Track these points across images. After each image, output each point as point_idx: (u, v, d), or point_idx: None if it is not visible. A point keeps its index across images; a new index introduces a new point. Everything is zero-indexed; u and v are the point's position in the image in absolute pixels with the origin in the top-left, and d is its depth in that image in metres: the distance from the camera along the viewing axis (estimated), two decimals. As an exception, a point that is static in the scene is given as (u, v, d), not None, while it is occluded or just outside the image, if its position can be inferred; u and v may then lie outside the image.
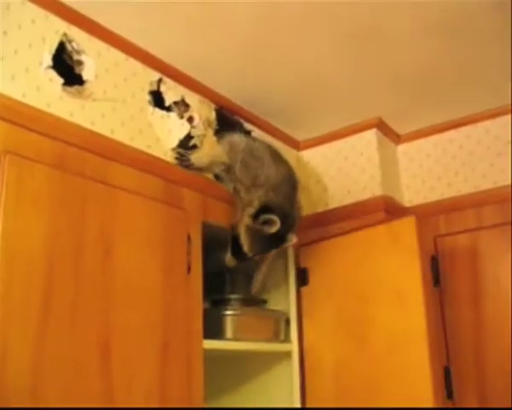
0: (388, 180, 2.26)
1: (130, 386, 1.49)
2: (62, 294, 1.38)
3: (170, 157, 1.80)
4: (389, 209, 2.18)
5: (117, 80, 1.71)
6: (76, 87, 1.56)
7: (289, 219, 1.86)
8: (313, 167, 2.38)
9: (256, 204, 1.81)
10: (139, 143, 1.72)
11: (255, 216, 1.81)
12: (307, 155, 2.43)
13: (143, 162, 1.68)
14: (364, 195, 2.22)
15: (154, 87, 1.82)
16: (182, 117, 1.86)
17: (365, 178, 2.25)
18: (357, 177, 2.27)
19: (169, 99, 1.86)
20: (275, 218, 1.79)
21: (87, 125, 1.58)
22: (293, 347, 2.13)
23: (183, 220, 1.75)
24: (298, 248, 2.16)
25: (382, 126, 2.29)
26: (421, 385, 1.79)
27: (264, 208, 1.80)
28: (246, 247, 1.84)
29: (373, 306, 1.96)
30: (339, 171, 2.33)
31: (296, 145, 2.44)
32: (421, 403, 1.78)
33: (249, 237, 1.83)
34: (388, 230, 1.97)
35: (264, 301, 2.20)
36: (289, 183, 1.92)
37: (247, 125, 2.20)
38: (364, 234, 2.04)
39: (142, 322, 1.56)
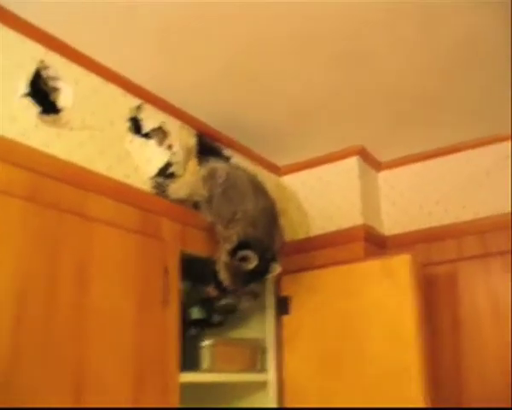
0: (369, 208, 2.25)
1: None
2: (33, 335, 1.33)
3: (148, 186, 1.76)
4: (369, 238, 2.16)
5: (95, 107, 1.66)
6: (52, 115, 1.52)
7: (269, 252, 1.83)
8: (294, 193, 2.35)
9: (234, 240, 1.78)
10: (117, 173, 1.67)
11: (233, 253, 1.78)
12: (288, 180, 2.40)
13: (120, 193, 1.63)
14: (345, 223, 2.20)
15: (134, 114, 1.78)
16: (161, 144, 1.82)
17: (346, 205, 2.22)
18: (338, 204, 2.25)
19: (148, 126, 1.82)
20: (251, 254, 1.76)
21: (64, 154, 1.53)
22: (270, 376, 2.09)
23: (160, 251, 1.71)
24: (279, 276, 2.12)
25: (364, 154, 2.27)
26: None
27: (242, 244, 1.77)
28: (226, 282, 1.81)
29: (363, 339, 1.95)
30: (320, 197, 2.30)
31: (276, 170, 2.41)
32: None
33: (228, 272, 1.80)
34: (382, 265, 1.97)
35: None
36: (269, 215, 1.89)
37: (227, 151, 2.17)
38: (356, 267, 2.03)
39: (117, 355, 1.51)
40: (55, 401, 1.35)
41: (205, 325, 2.04)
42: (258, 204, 1.85)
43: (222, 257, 1.78)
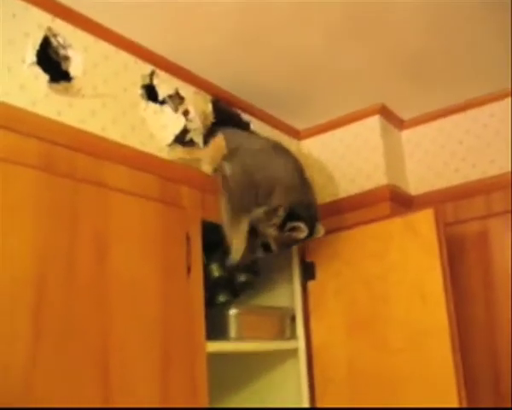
0: (393, 168, 2.18)
1: (131, 397, 1.42)
2: (54, 305, 1.30)
3: (165, 153, 1.72)
4: (395, 199, 2.10)
5: (107, 75, 1.62)
6: (63, 84, 1.48)
7: (312, 208, 1.80)
8: (315, 157, 2.29)
9: (281, 214, 1.73)
10: (132, 141, 1.63)
11: (281, 225, 1.74)
12: (308, 144, 2.34)
13: (137, 160, 1.60)
14: (369, 184, 2.14)
15: (147, 81, 1.74)
16: (177, 110, 1.77)
17: (369, 166, 2.16)
18: (361, 165, 2.19)
19: (162, 92, 1.77)
20: (301, 225, 1.73)
21: (76, 123, 1.49)
22: (300, 344, 2.05)
23: (181, 219, 1.68)
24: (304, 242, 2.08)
25: (385, 112, 2.20)
26: (445, 383, 1.73)
27: (290, 215, 1.73)
28: (275, 249, 1.79)
29: (389, 301, 1.89)
30: (342, 160, 2.24)
31: (296, 135, 2.35)
32: (444, 403, 1.72)
33: (278, 243, 1.78)
34: (405, 223, 1.90)
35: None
36: (300, 174, 1.84)
37: (246, 117, 2.11)
38: (378, 227, 1.97)
39: (141, 328, 1.49)
40: (78, 375, 1.32)
41: (230, 287, 2.00)
42: (287, 166, 1.80)
43: (270, 232, 1.74)
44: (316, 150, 2.31)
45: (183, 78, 1.85)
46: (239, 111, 2.07)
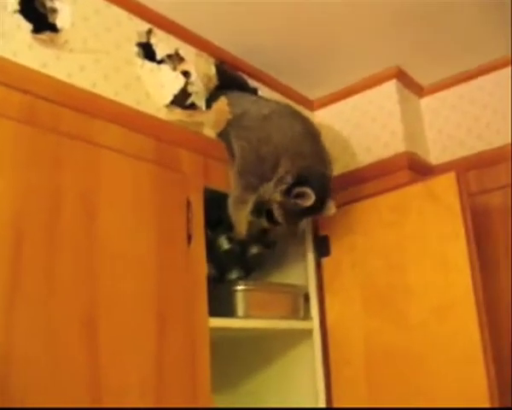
0: (412, 135, 2.03)
1: (121, 366, 1.30)
2: (35, 261, 1.20)
3: (163, 114, 1.61)
4: (414, 167, 1.95)
5: (97, 30, 1.52)
6: (48, 34, 1.38)
7: (325, 179, 1.66)
8: (329, 127, 2.16)
9: (288, 180, 1.60)
10: (126, 99, 1.52)
11: (288, 191, 1.61)
12: (321, 114, 2.21)
13: (131, 119, 1.49)
14: (386, 152, 2.00)
15: (143, 39, 1.63)
16: (175, 69, 1.66)
17: (386, 134, 2.02)
18: (377, 133, 2.04)
19: (161, 52, 1.66)
20: (308, 191, 1.58)
21: (64, 77, 1.39)
22: (314, 324, 1.92)
23: (180, 184, 1.57)
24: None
25: (402, 77, 2.06)
26: (471, 361, 1.58)
27: (298, 181, 1.60)
28: (281, 220, 1.64)
29: (410, 273, 1.74)
30: (357, 128, 2.10)
31: (309, 105, 2.22)
32: (470, 382, 1.57)
33: (283, 211, 1.63)
34: (424, 188, 1.75)
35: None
36: (309, 135, 1.71)
37: (254, 84, 1.99)
38: (395, 195, 1.82)
39: (134, 295, 1.37)
40: (62, 337, 1.21)
41: (242, 263, 1.88)
42: (296, 133, 1.67)
43: (275, 197, 1.61)
44: (330, 120, 2.18)
45: (183, 38, 1.74)
46: (246, 77, 1.95)
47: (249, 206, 1.65)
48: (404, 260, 1.76)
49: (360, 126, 2.09)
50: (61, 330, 1.21)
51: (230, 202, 1.67)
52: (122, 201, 1.40)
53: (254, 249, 1.89)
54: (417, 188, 1.77)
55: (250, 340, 1.96)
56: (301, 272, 1.98)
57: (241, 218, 1.65)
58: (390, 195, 1.82)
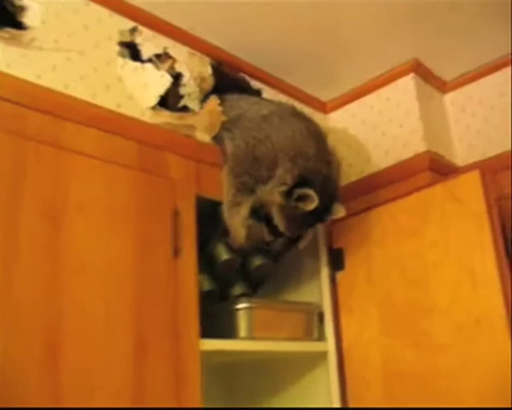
0: (433, 134, 1.84)
1: (89, 400, 1.15)
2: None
3: (148, 117, 1.48)
4: (436, 168, 1.75)
5: (73, 28, 1.41)
6: (8, 31, 1.27)
7: (330, 183, 1.49)
8: (343, 131, 1.99)
9: (288, 181, 1.45)
10: (104, 101, 1.40)
11: (288, 193, 1.45)
12: (335, 117, 2.04)
13: (109, 122, 1.36)
14: (405, 153, 1.81)
15: (127, 38, 1.51)
16: (161, 68, 1.53)
17: (405, 133, 1.83)
18: (394, 134, 1.86)
19: (147, 51, 1.54)
20: (311, 192, 1.42)
21: (31, 77, 1.28)
22: (330, 346, 1.73)
23: (166, 191, 1.42)
24: (330, 225, 1.76)
25: (421, 70, 1.87)
26: (503, 385, 1.36)
27: (299, 182, 1.44)
28: (282, 227, 1.48)
29: (432, 287, 1.54)
30: (372, 130, 1.92)
31: (322, 107, 2.05)
32: (505, 405, 1.35)
33: (285, 216, 1.47)
34: (445, 190, 1.56)
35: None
36: (312, 135, 1.54)
37: (259, 86, 1.85)
38: (413, 199, 1.63)
39: (106, 313, 1.22)
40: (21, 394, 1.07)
41: (246, 276, 1.72)
42: (297, 133, 1.51)
43: (276, 199, 1.45)
44: (344, 122, 2.01)
45: (173, 36, 1.62)
46: (248, 78, 1.81)
47: (246, 209, 1.49)
48: (425, 272, 1.56)
49: (376, 128, 1.91)
50: (17, 357, 1.08)
51: (225, 206, 1.52)
52: (93, 209, 1.26)
53: (257, 261, 1.71)
54: (437, 190, 1.58)
55: (258, 364, 1.79)
56: (314, 289, 1.80)
57: (237, 223, 1.50)
58: (407, 199, 1.63)
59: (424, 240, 1.57)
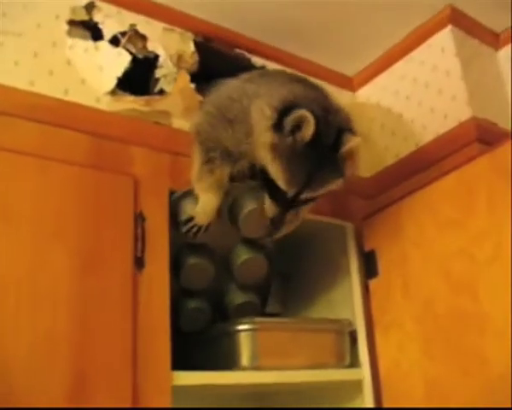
0: (481, 97, 1.45)
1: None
2: None
3: (105, 104, 1.23)
4: (485, 138, 1.36)
5: (7, 9, 1.19)
6: None
7: (331, 113, 1.09)
8: (374, 108, 1.64)
9: (266, 111, 1.07)
10: (47, 88, 1.17)
11: (277, 126, 1.06)
12: (363, 93, 1.70)
13: (52, 112, 1.12)
14: (446, 125, 1.44)
15: (82, 16, 1.28)
16: (119, 45, 1.28)
17: (445, 100, 1.46)
18: (432, 104, 1.49)
19: (109, 30, 1.30)
20: (302, 112, 1.03)
21: None
22: (365, 373, 1.38)
23: (127, 191, 1.16)
24: (360, 222, 1.44)
25: (461, 21, 1.50)
26: None
27: (285, 107, 1.06)
28: (281, 180, 1.07)
29: (484, 296, 1.15)
30: (407, 104, 1.56)
31: (348, 84, 1.71)
32: None
33: (281, 161, 1.07)
34: (493, 163, 1.18)
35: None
36: (302, 82, 1.17)
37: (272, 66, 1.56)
38: (453, 179, 1.25)
39: (29, 348, 0.97)
40: None
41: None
42: (278, 79, 1.16)
43: (263, 139, 1.07)
44: (374, 98, 1.66)
45: (143, 11, 1.37)
46: (245, 53, 1.52)
47: (225, 171, 1.17)
48: (474, 274, 1.18)
49: (411, 98, 1.55)
50: None
51: (194, 177, 1.19)
52: (22, 218, 1.03)
53: (244, 255, 1.37)
54: (483, 163, 1.19)
55: (271, 398, 1.47)
56: (342, 302, 1.46)
57: (208, 201, 1.18)
58: (446, 180, 1.26)
59: (470, 231, 1.20)
